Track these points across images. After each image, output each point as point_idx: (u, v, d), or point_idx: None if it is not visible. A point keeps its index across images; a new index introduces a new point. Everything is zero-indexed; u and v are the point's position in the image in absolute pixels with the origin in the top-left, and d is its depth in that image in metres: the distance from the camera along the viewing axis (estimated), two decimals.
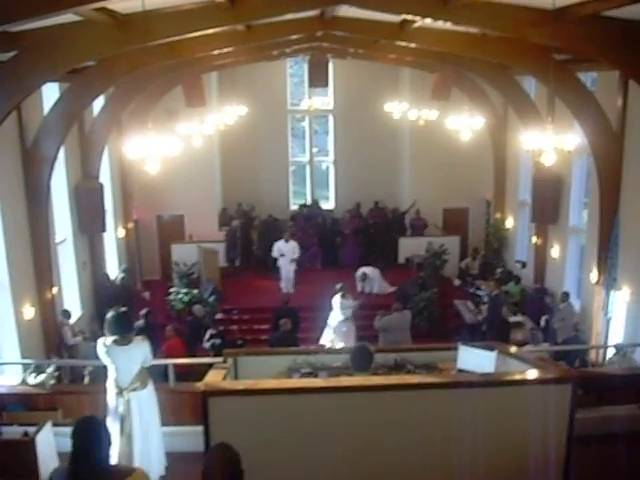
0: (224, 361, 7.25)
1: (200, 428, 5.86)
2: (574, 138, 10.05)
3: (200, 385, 6.38)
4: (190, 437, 7.10)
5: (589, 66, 14.29)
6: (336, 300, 15.29)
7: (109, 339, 7.03)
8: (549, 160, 9.59)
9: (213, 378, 6.27)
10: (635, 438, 7.93)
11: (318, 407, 5.86)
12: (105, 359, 7.07)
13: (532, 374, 6.58)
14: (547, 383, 6.35)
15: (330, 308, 15.46)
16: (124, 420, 7.02)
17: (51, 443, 7.71)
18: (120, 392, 7.02)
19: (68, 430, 4.25)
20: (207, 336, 13.93)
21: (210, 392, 5.82)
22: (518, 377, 6.53)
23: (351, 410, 5.93)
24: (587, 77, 15.56)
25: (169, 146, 9.45)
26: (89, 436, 4.14)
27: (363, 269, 19.43)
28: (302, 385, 6.18)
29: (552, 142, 9.39)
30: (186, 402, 7.81)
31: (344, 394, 5.93)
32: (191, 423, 7.38)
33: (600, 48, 10.38)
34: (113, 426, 6.94)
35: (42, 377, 9.19)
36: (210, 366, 7.55)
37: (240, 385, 6.47)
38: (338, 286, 15.65)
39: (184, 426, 7.67)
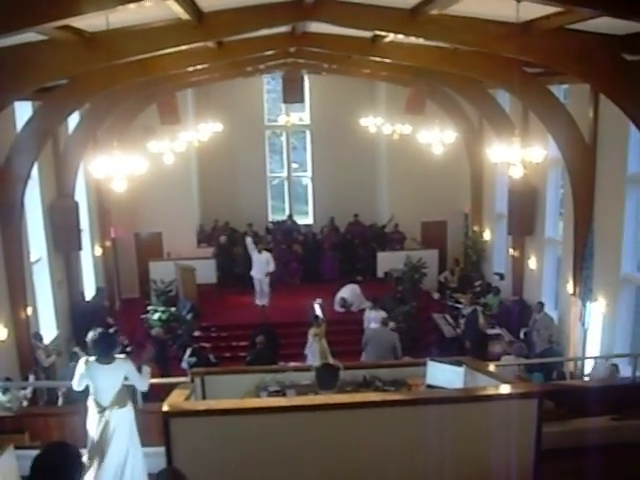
0: (191, 380, 7.18)
1: None
2: (543, 150, 10.07)
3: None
4: (159, 458, 7.01)
5: (560, 79, 14.36)
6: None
7: (92, 357, 6.99)
8: (517, 173, 9.62)
9: (175, 399, 6.20)
10: (607, 450, 7.89)
11: (281, 426, 5.80)
12: (82, 377, 6.99)
13: (498, 389, 6.56)
14: (513, 398, 6.33)
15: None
16: (102, 439, 6.94)
17: (13, 467, 7.57)
18: (101, 411, 6.96)
19: (34, 453, 4.09)
20: (187, 354, 13.85)
21: (171, 413, 5.75)
22: (484, 392, 6.50)
23: (316, 428, 5.87)
24: (559, 90, 15.64)
25: (136, 164, 9.36)
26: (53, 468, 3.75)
27: (341, 294, 19.32)
28: (264, 404, 6.11)
29: (520, 155, 9.41)
30: (154, 422, 7.71)
31: (308, 413, 5.87)
32: (160, 444, 7.27)
33: (567, 61, 10.45)
34: (92, 446, 6.90)
35: (7, 397, 9.04)
36: None
37: (201, 405, 6.40)
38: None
39: (153, 447, 7.56)
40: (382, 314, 15.28)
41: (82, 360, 7.11)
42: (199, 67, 14.54)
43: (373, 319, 15.15)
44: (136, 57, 10.73)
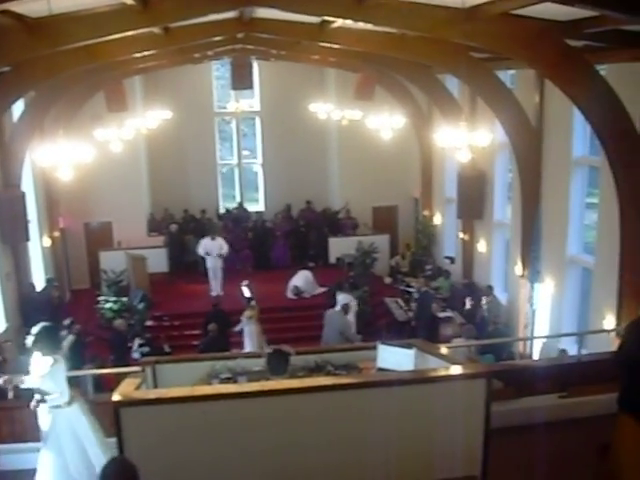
0: (142, 370, 7.13)
1: None
2: (490, 135, 10.20)
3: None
4: (112, 449, 6.97)
5: (507, 64, 14.52)
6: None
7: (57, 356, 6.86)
8: (465, 157, 9.74)
9: (126, 388, 6.16)
10: (554, 427, 8.09)
11: (232, 413, 5.80)
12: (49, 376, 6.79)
13: (448, 370, 6.64)
14: (462, 379, 6.42)
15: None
16: (51, 437, 6.87)
17: None
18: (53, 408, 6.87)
19: None
20: (135, 345, 13.77)
21: (121, 402, 5.71)
22: (434, 374, 6.58)
23: (267, 414, 5.89)
24: (506, 75, 15.83)
25: (83, 153, 9.23)
26: None
27: (294, 281, 19.34)
28: (215, 392, 6.09)
29: (467, 139, 9.52)
30: (106, 413, 7.65)
31: (259, 399, 5.89)
32: (111, 434, 7.22)
33: (512, 46, 10.54)
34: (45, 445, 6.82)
35: None
36: None
37: (152, 394, 6.36)
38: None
39: (106, 438, 7.51)
40: (346, 297, 15.29)
41: (50, 359, 6.88)
42: (146, 53, 14.33)
43: (340, 301, 15.10)
44: (81, 43, 10.53)
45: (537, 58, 10.72)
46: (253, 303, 15.06)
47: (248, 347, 14.36)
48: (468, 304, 16.30)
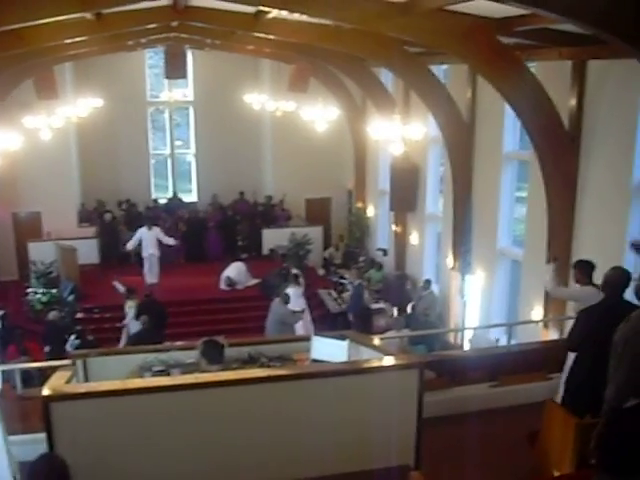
0: (73, 363, 7.00)
1: None
2: (423, 128, 10.33)
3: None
4: (40, 445, 6.82)
5: (441, 58, 14.72)
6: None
7: None
8: (398, 150, 9.84)
9: (56, 382, 6.04)
10: (485, 415, 8.26)
11: (165, 406, 5.73)
12: None
13: (381, 361, 6.70)
14: (395, 369, 6.49)
15: None
16: None
17: None
18: None
19: None
20: (72, 338, 13.53)
21: (51, 397, 5.58)
22: (367, 365, 6.62)
23: (201, 407, 5.85)
24: (440, 70, 16.02)
25: (11, 141, 8.99)
26: None
27: (227, 272, 19.24)
28: (147, 385, 6.00)
29: (400, 132, 9.62)
30: (35, 408, 7.49)
31: (193, 391, 5.84)
32: (41, 430, 7.06)
33: (446, 41, 10.71)
34: None
35: None
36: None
37: (82, 388, 6.24)
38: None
39: (34, 434, 7.34)
40: (297, 290, 15.27)
41: None
42: (77, 40, 14.00)
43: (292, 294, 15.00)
44: (9, 27, 10.23)
45: (470, 53, 10.91)
46: (134, 294, 14.99)
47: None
48: (410, 309, 16.41)
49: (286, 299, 13.69)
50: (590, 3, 6.43)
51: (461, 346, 14.38)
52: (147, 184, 24.41)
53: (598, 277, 6.48)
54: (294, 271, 16.94)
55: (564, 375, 7.31)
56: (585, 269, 7.71)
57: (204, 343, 6.65)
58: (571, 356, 6.73)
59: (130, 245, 19.17)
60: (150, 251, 18.80)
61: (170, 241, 19.15)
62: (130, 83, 23.35)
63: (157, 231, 19.01)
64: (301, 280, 16.28)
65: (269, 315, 13.68)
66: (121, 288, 15.94)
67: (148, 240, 18.83)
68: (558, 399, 7.01)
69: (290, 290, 14.77)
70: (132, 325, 14.37)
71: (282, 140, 22.56)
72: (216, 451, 5.92)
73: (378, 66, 17.23)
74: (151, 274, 18.90)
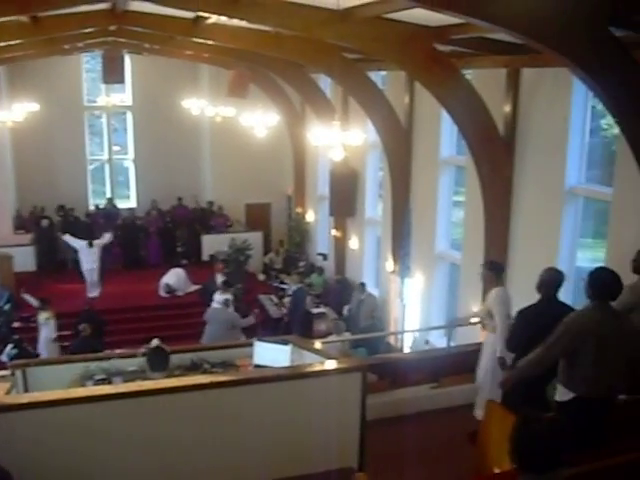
0: (12, 374, 6.89)
1: None
2: (362, 134, 10.44)
3: None
4: None
5: (379, 65, 14.90)
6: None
7: None
8: (337, 155, 9.95)
9: None
10: (426, 416, 8.41)
11: (108, 414, 5.68)
12: None
13: (323, 365, 6.78)
14: (338, 373, 6.57)
15: None
16: None
17: None
18: None
19: None
20: (8, 348, 13.23)
21: None
22: (310, 369, 6.69)
23: (144, 414, 5.82)
24: (378, 76, 16.20)
25: None
26: None
27: (166, 279, 19.07)
28: (89, 393, 5.94)
29: (340, 138, 9.72)
30: None
31: (135, 399, 5.80)
32: None
33: (384, 49, 10.88)
34: None
35: None
36: None
37: (24, 398, 6.14)
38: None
39: None
40: (228, 296, 15.17)
41: None
42: (12, 43, 13.76)
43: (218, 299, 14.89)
44: None
45: (407, 61, 11.09)
46: (46, 305, 14.81)
47: (43, 352, 14.14)
48: (346, 311, 16.53)
49: (227, 303, 13.67)
50: (522, 13, 6.61)
51: (401, 349, 14.56)
52: (84, 190, 24.00)
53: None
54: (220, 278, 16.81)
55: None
56: (496, 270, 7.99)
57: (149, 350, 6.62)
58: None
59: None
60: (91, 266, 18.51)
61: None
62: (67, 87, 22.94)
63: (99, 244, 18.72)
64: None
65: (211, 323, 13.58)
66: (33, 300, 15.58)
67: (88, 256, 18.51)
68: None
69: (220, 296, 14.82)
70: (45, 334, 14.24)
71: (221, 146, 22.48)
72: (158, 458, 5.90)
73: (317, 72, 17.34)
74: (93, 288, 18.61)
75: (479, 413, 7.77)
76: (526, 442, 3.58)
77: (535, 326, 6.16)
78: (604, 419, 5.47)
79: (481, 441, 6.20)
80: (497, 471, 5.42)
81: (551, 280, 6.48)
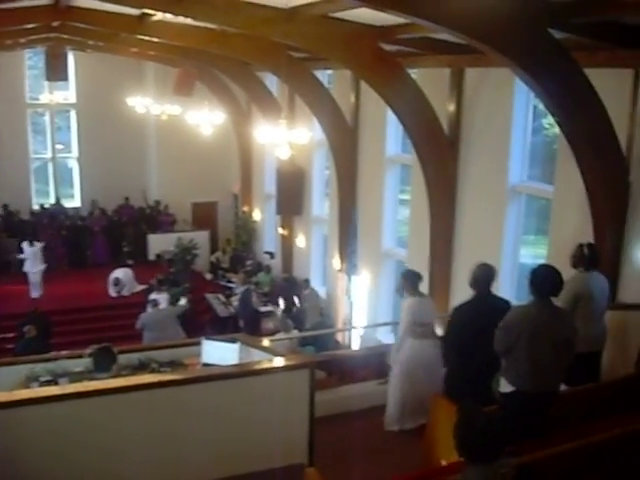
0: None
1: None
2: (308, 132, 10.51)
3: None
4: None
5: (325, 64, 14.95)
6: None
7: None
8: (283, 154, 9.99)
9: None
10: (374, 412, 8.49)
11: (55, 416, 5.60)
12: None
13: (272, 363, 6.80)
14: (286, 370, 6.59)
15: None
16: None
17: None
18: None
19: None
20: None
21: None
22: (258, 367, 6.69)
23: (91, 415, 5.75)
24: (324, 75, 16.26)
25: None
26: None
27: (115, 274, 18.91)
28: (34, 395, 5.83)
29: (286, 137, 9.76)
30: None
31: (82, 400, 5.73)
32: None
33: (330, 48, 10.94)
34: None
35: None
36: None
37: None
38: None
39: None
40: (165, 296, 15.11)
41: None
42: None
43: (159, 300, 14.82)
44: None
45: (353, 60, 11.17)
46: None
47: None
48: (294, 309, 16.55)
49: (156, 303, 13.78)
50: (464, 14, 6.74)
51: (349, 346, 14.65)
52: (27, 189, 23.57)
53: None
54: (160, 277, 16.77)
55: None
56: (412, 280, 8.09)
57: (96, 350, 6.57)
58: None
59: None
60: (35, 267, 18.27)
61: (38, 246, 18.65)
62: (8, 84, 22.46)
63: (39, 246, 18.48)
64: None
65: (149, 323, 13.47)
66: None
67: (31, 256, 18.25)
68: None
69: (158, 296, 14.80)
70: None
71: (167, 144, 22.31)
72: (106, 459, 5.84)
73: (263, 71, 17.34)
74: (35, 289, 18.34)
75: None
76: (467, 435, 3.72)
77: (471, 320, 6.37)
78: (544, 411, 5.61)
79: (428, 433, 6.31)
80: (444, 463, 5.53)
81: (484, 275, 6.62)
